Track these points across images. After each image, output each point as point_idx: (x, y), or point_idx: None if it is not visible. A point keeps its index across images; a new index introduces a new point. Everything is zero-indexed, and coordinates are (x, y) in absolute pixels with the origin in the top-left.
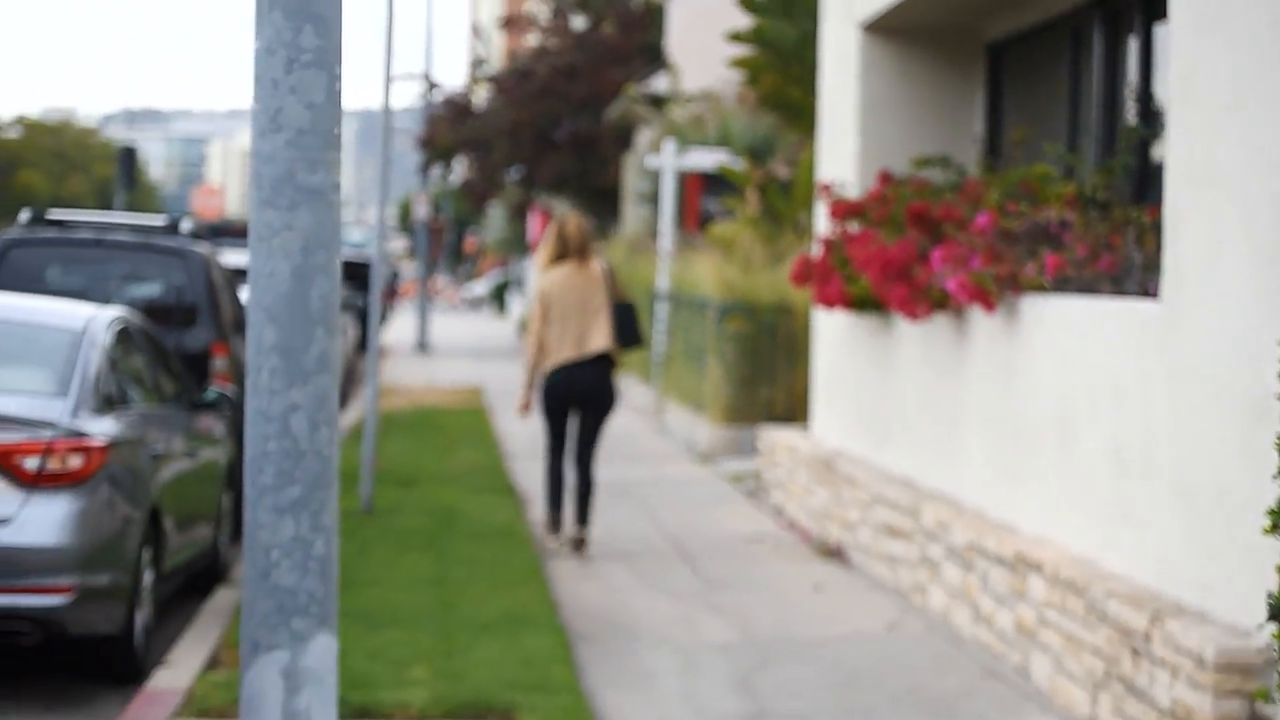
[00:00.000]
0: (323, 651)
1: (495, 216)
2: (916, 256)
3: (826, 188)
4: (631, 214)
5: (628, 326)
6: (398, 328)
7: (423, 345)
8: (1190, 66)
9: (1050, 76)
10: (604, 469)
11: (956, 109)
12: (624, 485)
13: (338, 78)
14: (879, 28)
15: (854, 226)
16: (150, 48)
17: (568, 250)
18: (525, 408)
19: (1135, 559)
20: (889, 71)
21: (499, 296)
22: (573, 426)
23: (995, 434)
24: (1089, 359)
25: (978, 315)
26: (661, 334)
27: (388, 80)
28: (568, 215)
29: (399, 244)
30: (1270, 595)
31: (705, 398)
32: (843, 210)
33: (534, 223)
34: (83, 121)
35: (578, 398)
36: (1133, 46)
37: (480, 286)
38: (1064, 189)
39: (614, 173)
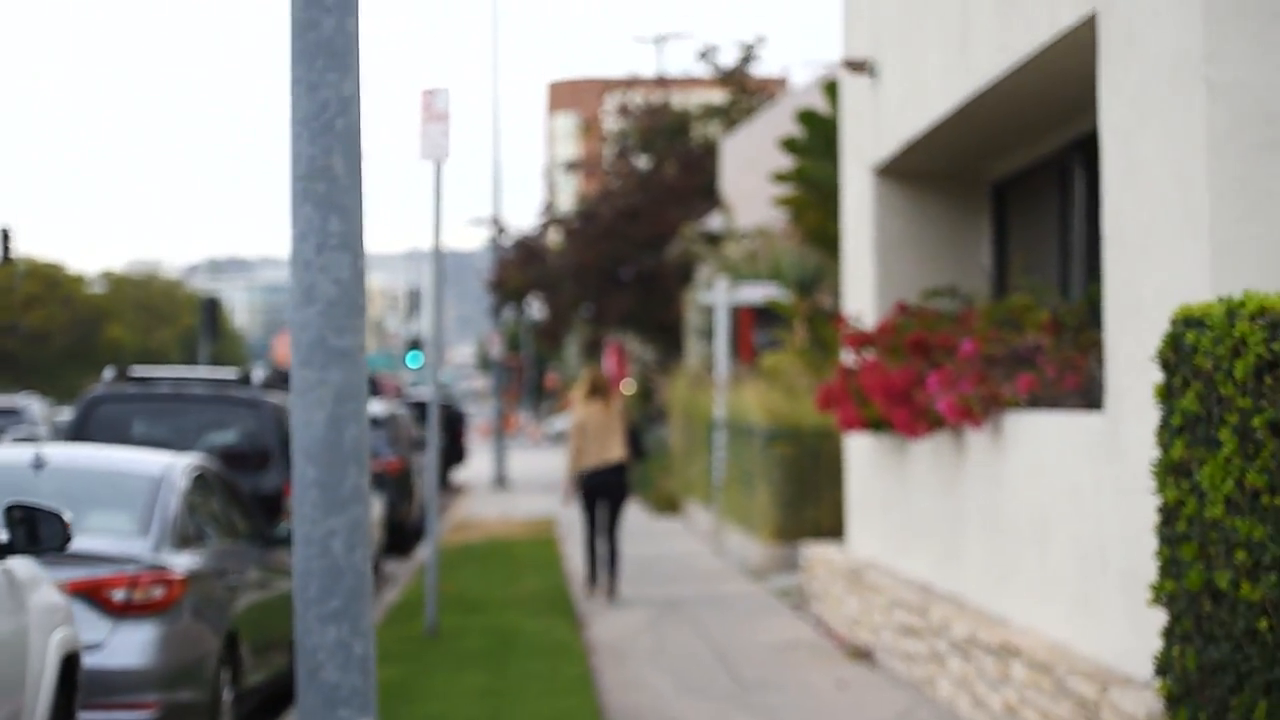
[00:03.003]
0: None
1: (571, 353)
2: (915, 381)
3: (843, 319)
4: (692, 347)
5: (636, 444)
6: (477, 464)
7: (500, 480)
8: (1115, 211)
9: (1044, 211)
10: (661, 589)
11: (965, 243)
12: (678, 602)
13: (360, 256)
14: (889, 171)
15: (869, 354)
16: (233, 197)
17: (595, 392)
18: (569, 497)
19: (1097, 642)
20: (901, 211)
21: None
22: (601, 512)
23: (990, 537)
24: (1055, 467)
25: (971, 432)
26: (720, 461)
27: (437, 234)
28: (594, 368)
29: (479, 383)
30: (1155, 656)
31: (756, 518)
32: (856, 340)
33: (608, 358)
34: (168, 273)
35: (603, 492)
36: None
37: (561, 422)
38: (1040, 316)
39: (677, 308)
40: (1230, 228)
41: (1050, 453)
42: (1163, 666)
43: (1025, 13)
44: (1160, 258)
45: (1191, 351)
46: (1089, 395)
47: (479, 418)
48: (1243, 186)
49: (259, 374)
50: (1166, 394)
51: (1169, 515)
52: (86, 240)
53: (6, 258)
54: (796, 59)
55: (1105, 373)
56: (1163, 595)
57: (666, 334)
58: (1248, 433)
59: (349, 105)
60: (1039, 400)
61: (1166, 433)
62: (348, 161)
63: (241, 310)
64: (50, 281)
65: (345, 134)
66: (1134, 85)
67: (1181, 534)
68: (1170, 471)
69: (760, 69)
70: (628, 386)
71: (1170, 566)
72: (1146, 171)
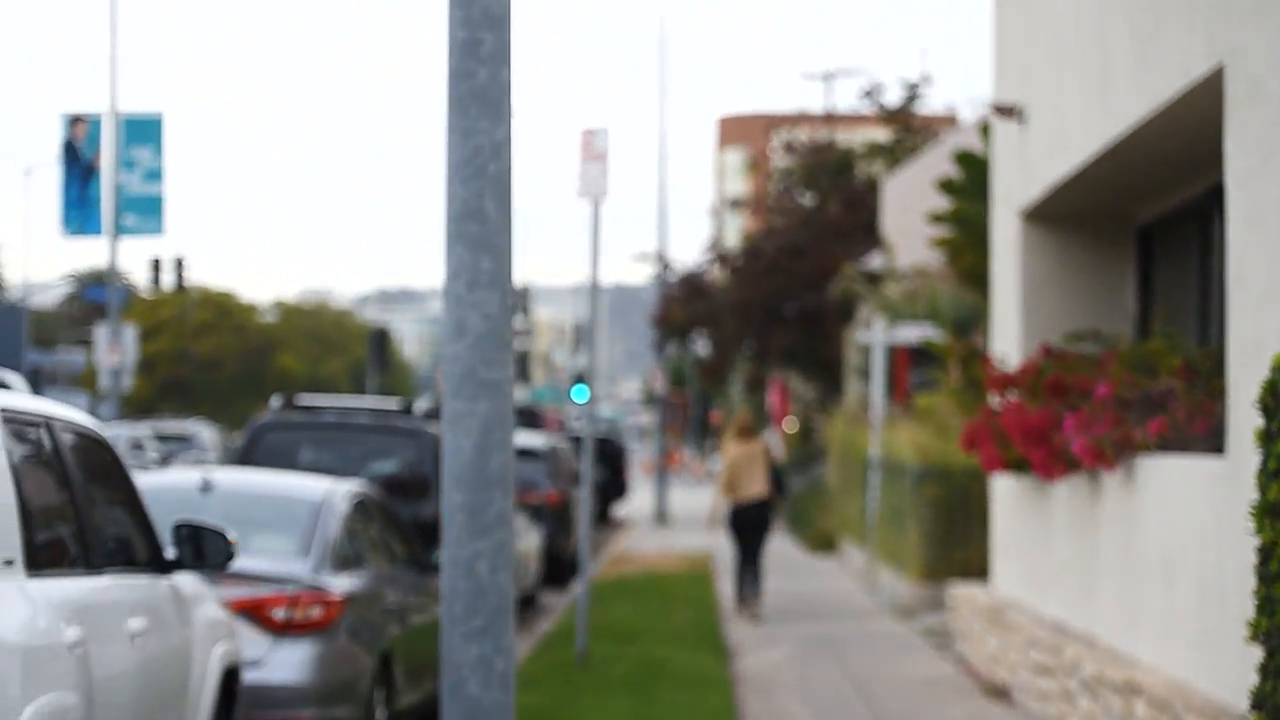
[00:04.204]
0: None
1: (735, 390)
2: (1053, 423)
3: (987, 361)
4: (851, 386)
5: (778, 481)
6: (639, 499)
7: (661, 515)
8: (1238, 257)
9: (1187, 255)
10: (810, 625)
11: (1111, 286)
12: (825, 639)
13: (509, 294)
14: (1036, 215)
15: (1011, 396)
16: (404, 229)
17: (742, 433)
18: (713, 523)
19: (1215, 679)
20: (1047, 254)
21: None
22: (747, 542)
23: (1121, 577)
24: (1182, 508)
25: (1105, 474)
26: (874, 500)
27: (594, 270)
28: (745, 412)
29: (644, 418)
30: (1251, 691)
31: (906, 557)
32: (999, 382)
33: (771, 395)
34: (338, 303)
35: (748, 524)
36: None
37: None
38: (1174, 361)
39: (837, 346)
40: None
41: (1177, 494)
42: (1258, 701)
43: (1161, 62)
44: (1277, 306)
45: None
46: (1217, 439)
47: (643, 453)
48: None
49: (421, 404)
50: (1265, 438)
51: (1265, 555)
52: (259, 270)
53: (180, 286)
54: (965, 93)
55: (1227, 416)
56: (1259, 632)
57: (827, 372)
58: None
59: (500, 151)
60: (1169, 444)
61: (1264, 476)
62: (499, 204)
63: (410, 341)
64: (222, 310)
65: (497, 178)
66: (1256, 134)
67: (1274, 573)
68: (1266, 513)
69: (928, 104)
70: (789, 424)
71: (1265, 604)
72: (1267, 219)
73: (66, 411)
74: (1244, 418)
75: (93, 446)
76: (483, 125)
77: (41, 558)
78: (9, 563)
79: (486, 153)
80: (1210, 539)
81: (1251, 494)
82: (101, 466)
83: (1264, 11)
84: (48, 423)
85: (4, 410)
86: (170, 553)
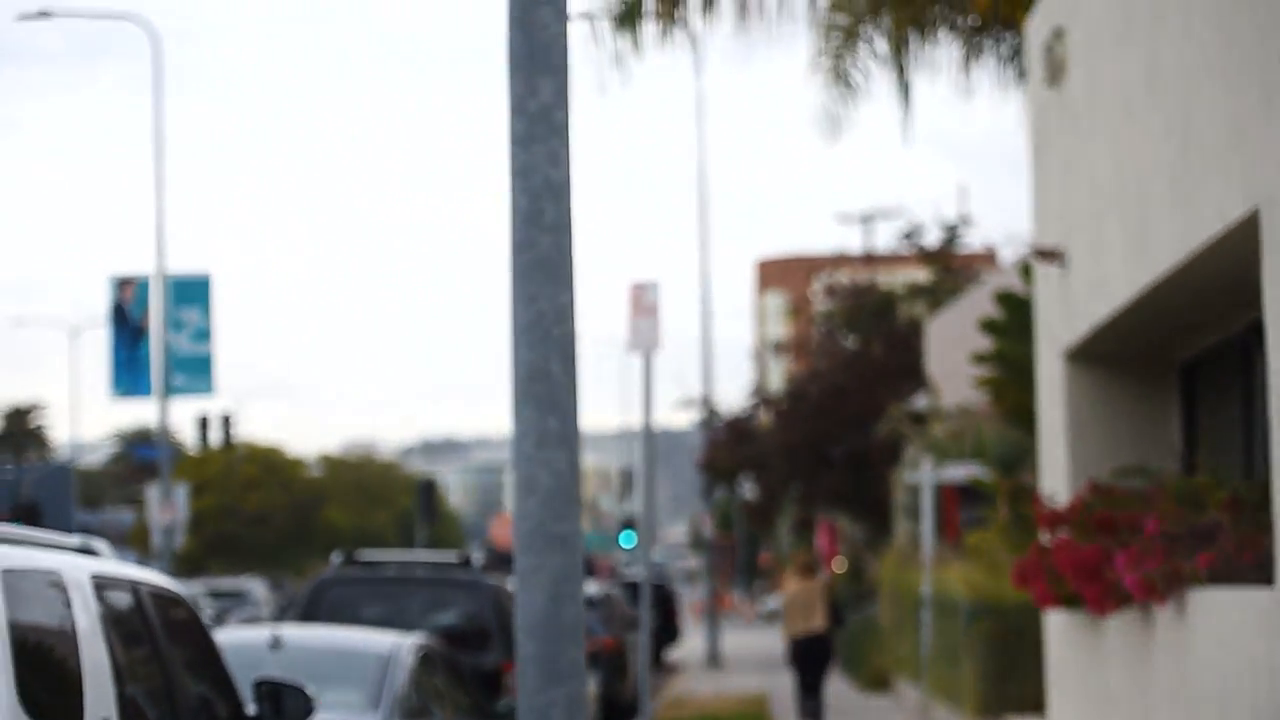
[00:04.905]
0: None
1: (783, 531)
2: (1104, 558)
3: (1037, 498)
4: (900, 525)
5: (837, 614)
6: (690, 643)
7: (714, 658)
8: None
9: (1230, 391)
10: None
11: (1156, 422)
12: None
13: (576, 451)
14: (1079, 355)
15: (1061, 532)
16: (447, 377)
17: (803, 570)
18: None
19: None
20: (1091, 393)
21: None
22: (809, 672)
23: (1174, 710)
24: (1233, 640)
25: (1157, 608)
26: (927, 638)
27: (647, 425)
28: (805, 551)
29: (692, 562)
30: None
31: (962, 693)
32: (1049, 519)
33: (821, 536)
34: (382, 454)
35: (810, 655)
36: None
37: (774, 600)
38: (1220, 495)
39: (885, 487)
40: None
41: (1228, 626)
42: None
43: (1197, 208)
44: None
45: None
46: (1266, 570)
47: (692, 597)
48: None
49: (478, 557)
50: None
51: None
52: (303, 421)
53: (227, 442)
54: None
55: (1275, 547)
56: None
57: (875, 512)
58: None
59: (564, 314)
60: (1219, 576)
61: None
62: (564, 365)
63: (456, 491)
64: (269, 465)
65: (561, 340)
66: None
67: None
68: None
69: (968, 241)
70: (839, 565)
71: None
72: None
73: (149, 574)
74: None
75: (175, 607)
76: (547, 291)
77: (133, 716)
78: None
79: (550, 318)
80: (1263, 669)
81: None
82: (183, 626)
83: None
84: (134, 586)
85: (95, 576)
86: (251, 709)
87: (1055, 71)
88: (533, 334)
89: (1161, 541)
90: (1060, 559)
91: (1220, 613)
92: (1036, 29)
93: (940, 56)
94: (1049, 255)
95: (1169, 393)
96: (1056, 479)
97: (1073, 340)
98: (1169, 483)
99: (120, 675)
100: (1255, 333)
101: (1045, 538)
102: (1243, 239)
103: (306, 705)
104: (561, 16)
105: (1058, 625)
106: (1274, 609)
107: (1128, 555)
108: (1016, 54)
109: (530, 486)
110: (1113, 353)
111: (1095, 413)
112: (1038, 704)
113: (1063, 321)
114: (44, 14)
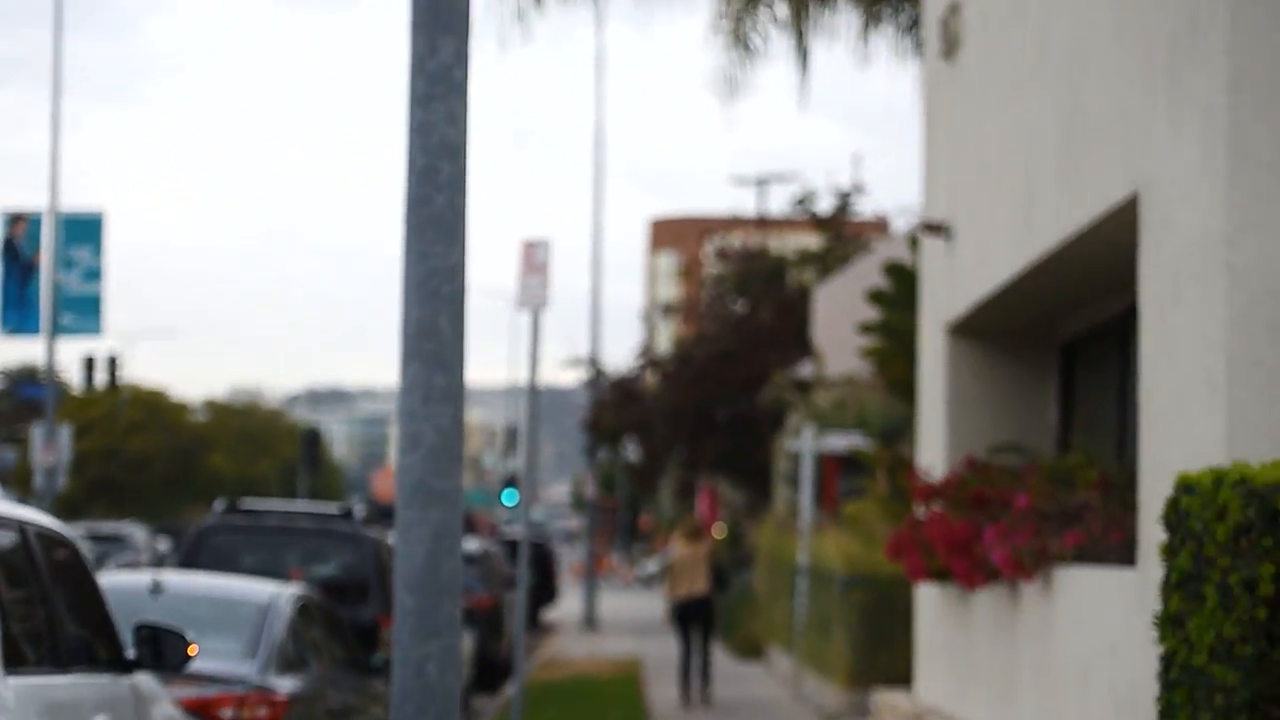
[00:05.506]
0: None
1: (665, 495)
2: (975, 534)
3: (913, 472)
4: (780, 493)
5: (720, 578)
6: (568, 604)
7: (590, 620)
8: (1150, 380)
9: (1107, 373)
10: None
11: (1034, 400)
12: None
13: (460, 408)
14: (962, 329)
15: (936, 506)
16: (336, 327)
17: (691, 534)
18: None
19: None
20: (972, 368)
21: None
22: (694, 634)
23: (1039, 684)
24: (1096, 618)
25: (1024, 584)
26: (801, 606)
27: (532, 382)
28: (692, 516)
29: (573, 522)
30: None
31: (833, 663)
32: (924, 492)
33: (701, 501)
34: (268, 402)
35: (692, 617)
36: None
37: (653, 564)
38: (1091, 475)
39: (767, 453)
40: (1246, 404)
41: (1091, 605)
42: None
43: (1080, 189)
44: (1184, 427)
45: (1186, 515)
46: (1130, 551)
47: (572, 557)
48: (1259, 366)
49: (359, 509)
50: (1168, 552)
51: (1166, 663)
52: (190, 367)
53: (113, 384)
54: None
55: (1139, 529)
56: None
57: (757, 479)
58: (1226, 589)
59: (455, 273)
60: (1085, 555)
61: (1167, 588)
62: (452, 323)
63: (340, 442)
64: (153, 408)
65: (451, 298)
66: (1168, 262)
67: (1174, 680)
68: (1168, 623)
69: (861, 210)
70: (718, 530)
71: (1167, 711)
72: (1177, 344)
73: (37, 515)
74: (1153, 531)
75: (61, 549)
76: (438, 249)
77: (17, 656)
78: None
79: (442, 275)
80: (1122, 647)
81: (1158, 604)
82: (69, 568)
83: (1176, 145)
84: (21, 526)
85: None
86: (130, 653)
87: (950, 45)
88: (423, 290)
89: (1031, 519)
90: (933, 532)
91: (1084, 591)
92: (934, 1)
93: (840, 23)
94: (935, 228)
95: (1048, 371)
96: (934, 453)
97: (955, 314)
98: (1043, 461)
99: (5, 616)
100: (1132, 315)
101: (920, 511)
102: (1123, 221)
103: (185, 651)
104: None
105: (928, 599)
106: (1136, 589)
107: (997, 531)
108: (915, 24)
109: (414, 442)
110: (995, 329)
111: (975, 388)
112: (907, 677)
113: (946, 295)
114: None
